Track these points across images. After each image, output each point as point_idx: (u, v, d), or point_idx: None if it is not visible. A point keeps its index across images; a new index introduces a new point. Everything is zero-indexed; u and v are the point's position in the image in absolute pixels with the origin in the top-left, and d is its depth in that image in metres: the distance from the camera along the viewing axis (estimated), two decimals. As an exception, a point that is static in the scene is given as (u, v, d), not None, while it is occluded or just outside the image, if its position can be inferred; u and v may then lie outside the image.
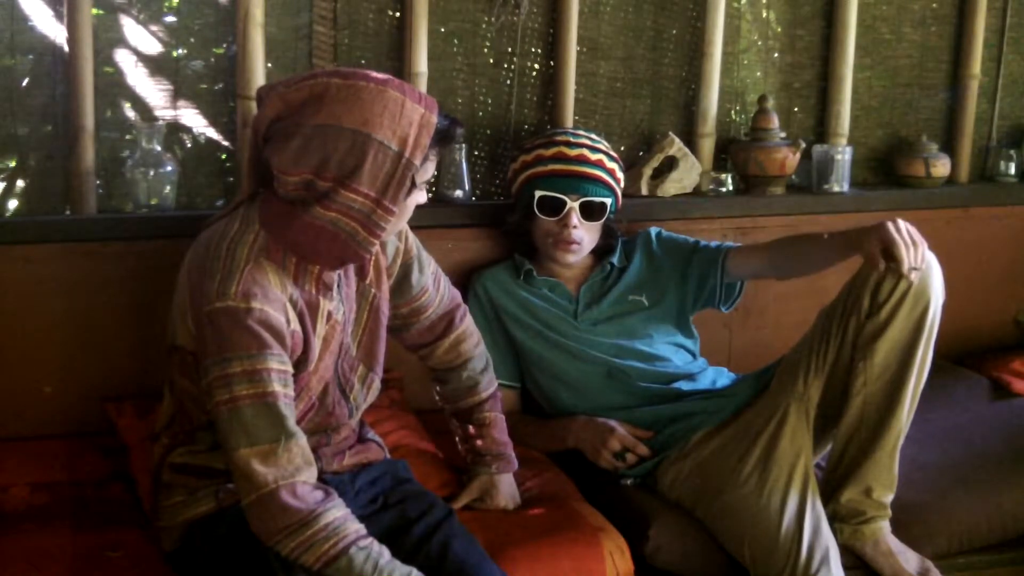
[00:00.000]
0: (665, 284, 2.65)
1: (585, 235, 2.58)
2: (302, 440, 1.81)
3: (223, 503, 1.94)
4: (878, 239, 2.17)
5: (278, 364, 1.81)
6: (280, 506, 1.75)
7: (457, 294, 2.31)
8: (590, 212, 2.56)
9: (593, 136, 2.66)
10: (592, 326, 2.60)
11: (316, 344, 1.94)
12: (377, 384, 2.12)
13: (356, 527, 1.78)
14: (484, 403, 2.30)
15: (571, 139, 2.62)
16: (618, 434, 2.42)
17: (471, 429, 2.30)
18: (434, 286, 2.23)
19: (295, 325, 1.88)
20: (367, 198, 1.82)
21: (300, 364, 1.91)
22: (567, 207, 2.55)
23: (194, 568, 1.96)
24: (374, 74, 1.85)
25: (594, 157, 2.59)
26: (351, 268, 2.03)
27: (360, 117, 1.80)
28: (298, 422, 1.86)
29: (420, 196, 1.95)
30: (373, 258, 2.07)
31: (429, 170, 1.92)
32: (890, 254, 2.16)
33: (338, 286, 1.99)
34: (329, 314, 1.96)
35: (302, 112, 1.81)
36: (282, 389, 1.81)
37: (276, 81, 1.92)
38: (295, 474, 1.77)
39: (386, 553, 1.78)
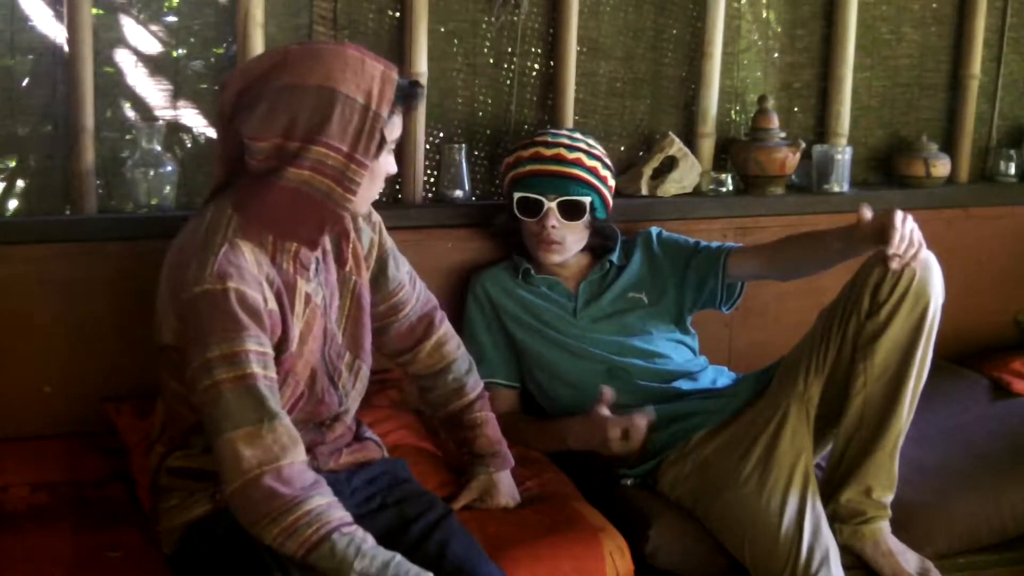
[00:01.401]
0: (665, 284, 2.65)
1: (568, 235, 2.58)
2: (286, 420, 1.80)
3: (220, 504, 1.93)
4: (880, 217, 2.20)
5: (256, 345, 1.81)
6: (265, 492, 1.73)
7: (433, 297, 2.32)
8: (569, 211, 2.56)
9: (577, 135, 2.65)
10: (592, 323, 2.60)
11: (295, 325, 1.93)
12: (365, 371, 2.12)
13: (340, 514, 1.77)
14: (473, 404, 2.29)
15: (549, 139, 2.62)
16: (612, 420, 2.38)
17: (464, 432, 2.30)
18: (410, 283, 2.24)
19: (272, 304, 1.88)
20: (339, 153, 1.84)
21: (280, 346, 1.90)
22: (545, 207, 2.55)
23: (194, 570, 1.96)
24: (331, 42, 1.90)
25: (571, 156, 2.58)
26: (330, 255, 2.04)
27: (323, 74, 1.83)
28: (289, 412, 1.87)
29: (390, 162, 1.95)
30: (351, 245, 2.08)
31: (396, 128, 1.93)
32: (884, 235, 2.17)
33: (316, 270, 1.99)
34: (308, 296, 1.96)
35: (265, 79, 1.85)
36: (262, 371, 1.80)
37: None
38: (280, 456, 1.76)
39: (370, 539, 1.76)
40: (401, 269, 2.22)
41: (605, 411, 2.41)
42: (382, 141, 1.88)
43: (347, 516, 1.78)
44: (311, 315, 1.97)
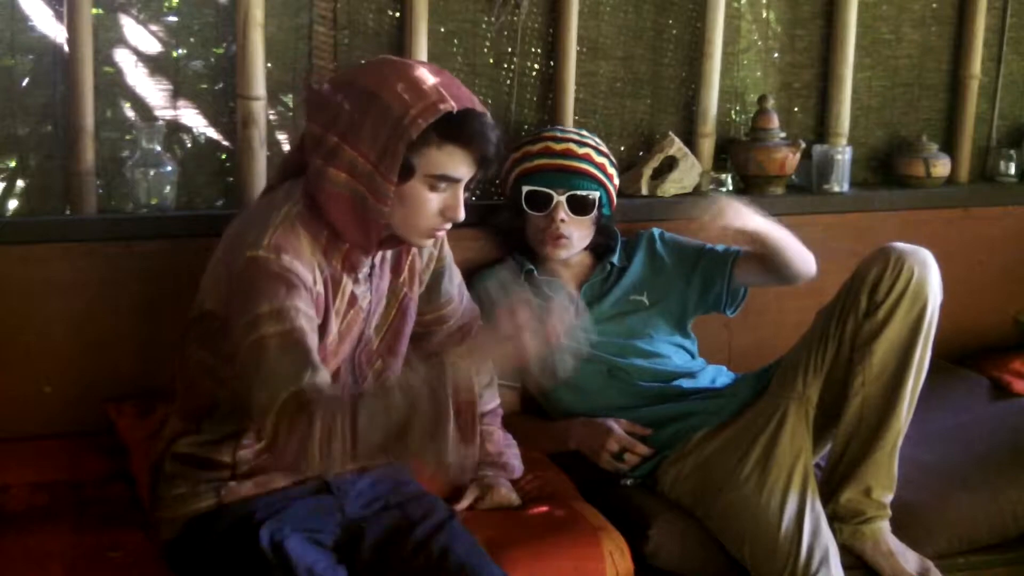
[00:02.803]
0: (668, 286, 2.65)
1: (575, 230, 2.58)
2: (326, 375, 1.74)
3: (224, 499, 1.94)
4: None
5: (305, 306, 1.79)
6: (299, 405, 1.64)
7: (476, 308, 2.33)
8: (578, 206, 2.57)
9: (583, 132, 2.67)
10: (593, 325, 2.60)
11: (334, 319, 1.94)
12: None
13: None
14: (483, 416, 2.30)
15: (558, 135, 2.63)
16: (616, 435, 2.42)
17: None
18: (459, 297, 2.25)
19: (319, 288, 1.89)
20: (367, 160, 1.83)
21: (319, 331, 1.89)
22: (554, 201, 2.56)
23: (191, 561, 1.96)
24: (429, 63, 1.98)
25: (581, 151, 2.59)
26: (388, 263, 2.04)
27: (374, 80, 1.85)
28: None
29: (427, 193, 1.88)
30: (410, 259, 2.09)
31: (435, 161, 1.85)
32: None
33: (369, 274, 2.00)
34: (353, 297, 1.97)
35: (340, 77, 1.93)
36: (308, 325, 1.77)
37: None
38: (312, 385, 1.68)
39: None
40: (453, 282, 2.23)
41: (616, 426, 2.42)
42: (409, 166, 1.83)
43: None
44: (353, 317, 1.98)
